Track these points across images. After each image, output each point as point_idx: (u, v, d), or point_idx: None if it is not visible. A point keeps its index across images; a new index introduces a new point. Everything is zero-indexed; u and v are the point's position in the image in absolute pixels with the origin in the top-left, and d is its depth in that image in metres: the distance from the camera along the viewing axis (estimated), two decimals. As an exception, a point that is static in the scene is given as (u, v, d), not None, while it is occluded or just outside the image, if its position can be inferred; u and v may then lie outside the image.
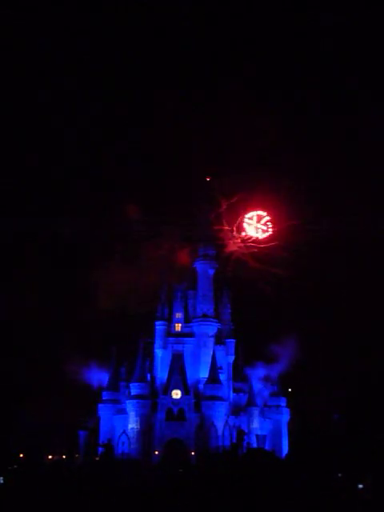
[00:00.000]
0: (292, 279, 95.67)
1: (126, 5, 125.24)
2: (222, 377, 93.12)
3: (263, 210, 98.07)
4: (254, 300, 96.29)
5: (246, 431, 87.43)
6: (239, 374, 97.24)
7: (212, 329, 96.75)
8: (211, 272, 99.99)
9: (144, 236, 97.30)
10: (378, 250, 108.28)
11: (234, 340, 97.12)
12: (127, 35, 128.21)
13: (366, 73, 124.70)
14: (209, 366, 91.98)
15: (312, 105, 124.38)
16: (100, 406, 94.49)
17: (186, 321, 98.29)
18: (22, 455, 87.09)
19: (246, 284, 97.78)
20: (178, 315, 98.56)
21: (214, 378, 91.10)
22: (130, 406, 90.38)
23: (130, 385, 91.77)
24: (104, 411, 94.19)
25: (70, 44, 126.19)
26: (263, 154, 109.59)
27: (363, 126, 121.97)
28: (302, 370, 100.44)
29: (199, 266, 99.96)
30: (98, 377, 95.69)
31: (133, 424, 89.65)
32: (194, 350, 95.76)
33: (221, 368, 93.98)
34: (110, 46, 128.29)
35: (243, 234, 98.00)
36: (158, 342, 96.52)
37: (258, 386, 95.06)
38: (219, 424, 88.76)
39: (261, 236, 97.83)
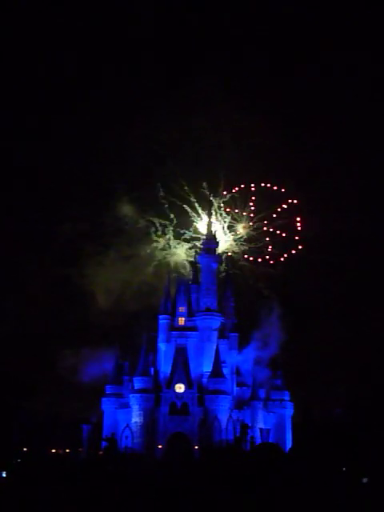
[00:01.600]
0: (285, 276, 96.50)
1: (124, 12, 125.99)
2: (226, 371, 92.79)
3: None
4: (254, 295, 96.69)
5: (250, 425, 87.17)
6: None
7: (215, 323, 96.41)
8: (214, 266, 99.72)
9: (140, 232, 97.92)
10: (375, 245, 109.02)
11: (237, 334, 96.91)
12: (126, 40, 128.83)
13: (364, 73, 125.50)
14: (212, 359, 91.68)
15: (307, 108, 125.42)
16: (103, 399, 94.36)
17: (190, 315, 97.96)
18: (25, 449, 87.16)
19: (244, 280, 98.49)
20: (182, 309, 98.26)
21: (217, 372, 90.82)
22: (134, 400, 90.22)
23: (134, 379, 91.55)
24: (107, 405, 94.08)
25: (68, 46, 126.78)
26: (257, 155, 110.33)
27: (361, 131, 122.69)
28: (304, 365, 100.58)
29: (202, 259, 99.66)
30: (102, 371, 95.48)
31: (136, 418, 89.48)
32: (198, 344, 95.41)
33: (224, 362, 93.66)
34: (110, 45, 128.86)
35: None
36: (161, 336, 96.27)
37: (259, 375, 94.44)
38: (223, 418, 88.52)
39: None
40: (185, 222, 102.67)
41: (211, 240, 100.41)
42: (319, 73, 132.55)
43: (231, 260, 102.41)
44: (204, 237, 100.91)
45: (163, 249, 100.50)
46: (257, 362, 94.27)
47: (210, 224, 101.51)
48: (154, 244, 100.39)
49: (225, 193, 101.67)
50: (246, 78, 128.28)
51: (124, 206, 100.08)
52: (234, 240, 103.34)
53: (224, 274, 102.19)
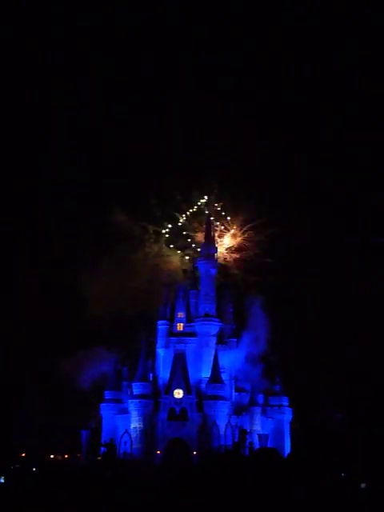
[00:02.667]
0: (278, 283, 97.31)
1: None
2: (224, 376, 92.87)
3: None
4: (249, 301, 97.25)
5: (248, 431, 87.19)
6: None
7: (214, 328, 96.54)
8: (213, 271, 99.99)
9: (135, 239, 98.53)
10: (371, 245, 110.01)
11: (236, 339, 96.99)
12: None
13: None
14: (211, 365, 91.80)
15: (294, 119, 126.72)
16: (102, 405, 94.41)
17: (188, 320, 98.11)
18: (23, 454, 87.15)
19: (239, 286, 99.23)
20: (180, 315, 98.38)
21: (215, 378, 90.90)
22: (132, 406, 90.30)
23: (132, 384, 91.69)
24: (106, 411, 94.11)
25: (67, 48, 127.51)
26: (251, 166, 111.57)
27: (356, 141, 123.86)
28: (302, 370, 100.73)
29: (201, 265, 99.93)
30: (100, 376, 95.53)
31: (135, 423, 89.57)
32: (196, 350, 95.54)
33: (223, 368, 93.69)
34: (109, 53, 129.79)
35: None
36: (160, 342, 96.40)
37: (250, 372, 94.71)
38: (221, 423, 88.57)
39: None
40: (179, 229, 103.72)
41: (210, 246, 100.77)
42: (311, 81, 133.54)
43: (224, 268, 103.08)
44: (195, 244, 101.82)
45: (158, 255, 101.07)
46: (248, 360, 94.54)
47: (208, 230, 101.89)
48: (149, 250, 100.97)
49: (216, 205, 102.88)
50: (242, 88, 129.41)
51: (119, 213, 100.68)
52: (225, 249, 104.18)
53: (222, 280, 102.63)
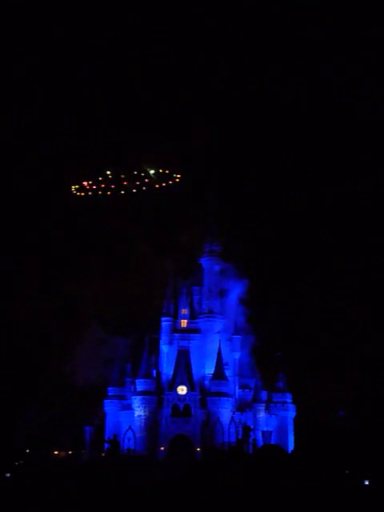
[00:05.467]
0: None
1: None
2: (228, 373, 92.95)
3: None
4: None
5: (252, 427, 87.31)
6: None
7: (218, 325, 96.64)
8: (217, 268, 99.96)
9: (137, 236, 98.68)
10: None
11: (240, 336, 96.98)
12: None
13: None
14: (214, 362, 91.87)
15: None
16: (106, 401, 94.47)
17: (192, 317, 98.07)
18: (27, 451, 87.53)
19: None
20: (184, 311, 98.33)
21: (219, 374, 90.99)
22: (136, 402, 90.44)
23: (136, 381, 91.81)
24: (110, 407, 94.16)
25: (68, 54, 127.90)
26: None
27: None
28: (306, 366, 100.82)
29: (205, 262, 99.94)
30: (104, 373, 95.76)
31: (138, 420, 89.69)
32: (200, 346, 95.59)
33: (226, 364, 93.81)
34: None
35: None
36: (163, 338, 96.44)
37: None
38: (225, 420, 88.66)
39: None
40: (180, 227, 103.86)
41: (214, 242, 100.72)
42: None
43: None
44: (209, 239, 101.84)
45: (159, 252, 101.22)
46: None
47: (212, 227, 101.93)
48: (149, 248, 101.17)
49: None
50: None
51: (119, 212, 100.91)
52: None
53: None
